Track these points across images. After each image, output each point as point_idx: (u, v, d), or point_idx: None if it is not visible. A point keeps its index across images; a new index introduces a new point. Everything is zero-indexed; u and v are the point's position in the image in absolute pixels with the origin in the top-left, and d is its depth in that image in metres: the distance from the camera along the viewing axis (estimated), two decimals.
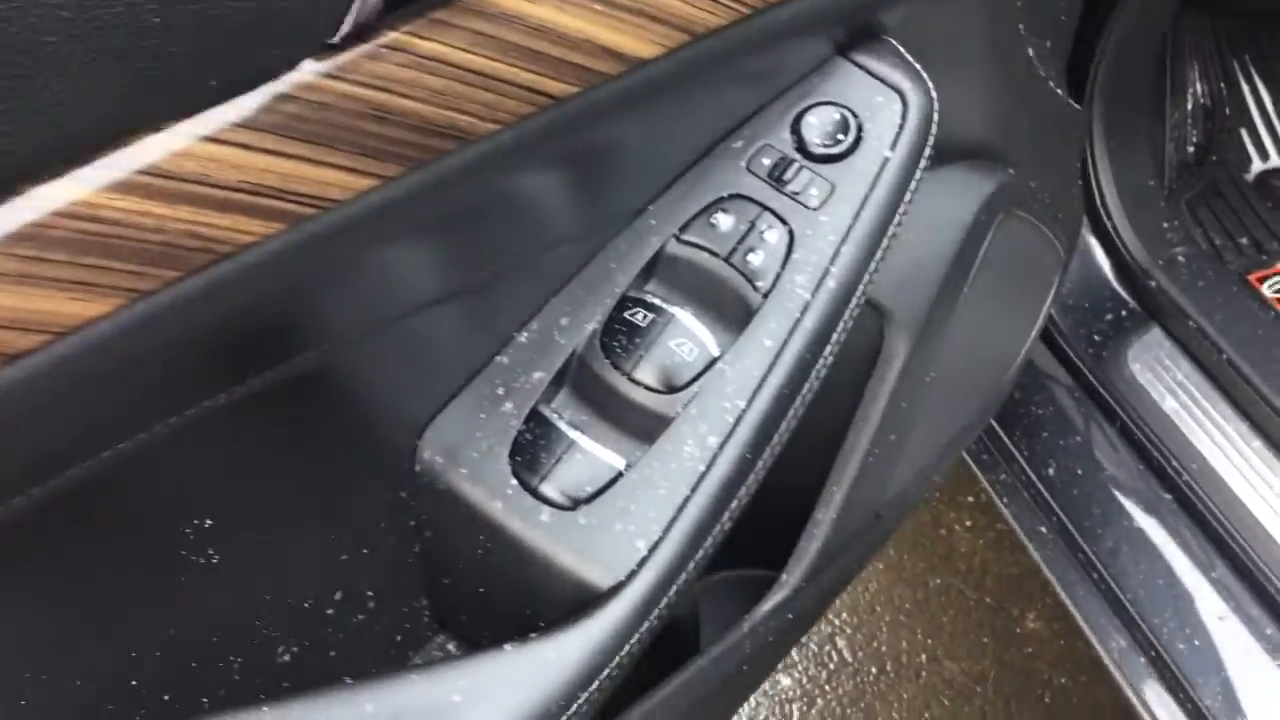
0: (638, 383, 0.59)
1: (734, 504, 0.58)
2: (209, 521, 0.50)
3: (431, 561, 0.60)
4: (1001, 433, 1.27)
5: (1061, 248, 1.05)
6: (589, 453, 0.57)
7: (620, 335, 0.59)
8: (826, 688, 1.53)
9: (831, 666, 1.55)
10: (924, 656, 1.55)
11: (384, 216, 0.46)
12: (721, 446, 0.57)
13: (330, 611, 0.57)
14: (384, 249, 0.50)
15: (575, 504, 0.57)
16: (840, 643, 1.57)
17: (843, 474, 0.83)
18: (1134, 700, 1.16)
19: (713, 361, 0.59)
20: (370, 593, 0.59)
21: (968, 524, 1.64)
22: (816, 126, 0.62)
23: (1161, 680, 1.12)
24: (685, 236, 0.61)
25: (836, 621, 1.58)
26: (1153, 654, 1.13)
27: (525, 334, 0.60)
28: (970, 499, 1.65)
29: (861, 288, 0.62)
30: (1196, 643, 1.11)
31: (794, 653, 1.56)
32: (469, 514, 0.57)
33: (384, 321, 0.54)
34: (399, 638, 0.61)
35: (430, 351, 0.58)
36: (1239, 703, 1.07)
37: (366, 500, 0.58)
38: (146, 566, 0.50)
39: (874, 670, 1.54)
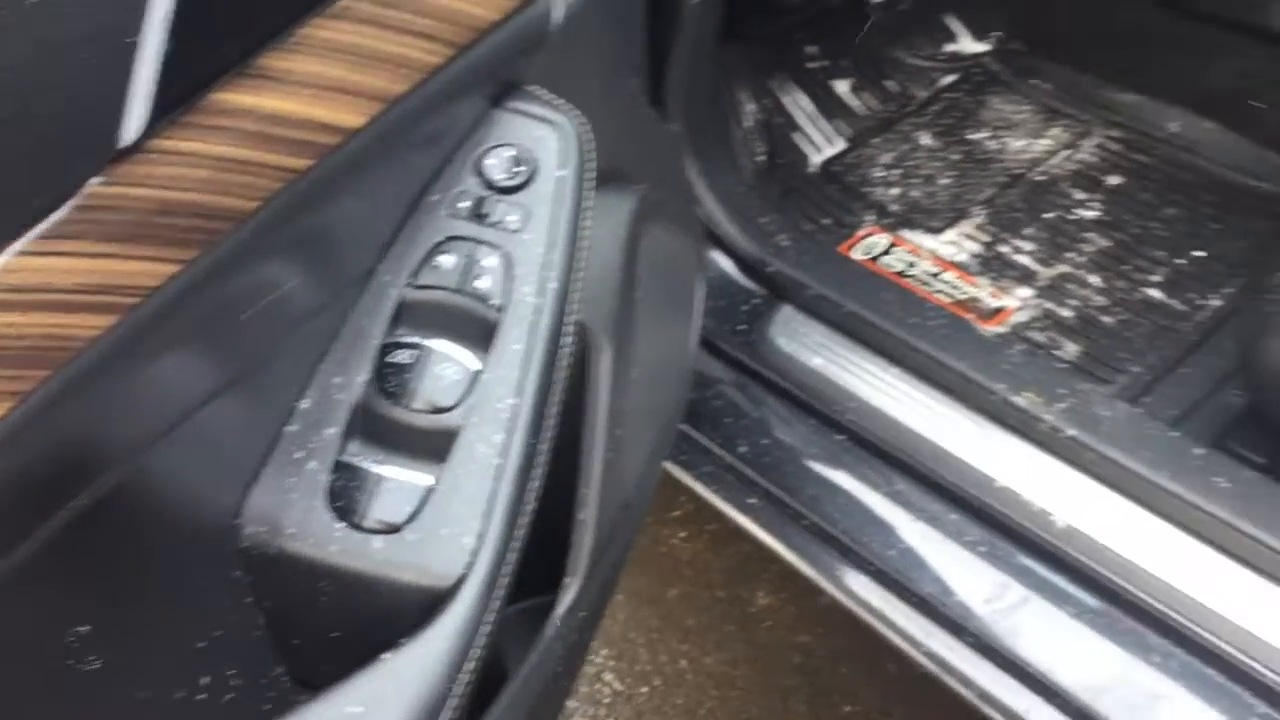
0: (419, 411, 0.66)
1: (533, 483, 0.67)
2: (86, 628, 0.53)
3: (280, 626, 0.65)
4: (692, 431, 1.42)
5: (696, 252, 1.21)
6: (397, 481, 0.65)
7: (390, 377, 0.67)
8: None
9: (607, 700, 1.64)
10: (684, 662, 1.67)
11: (186, 303, 0.52)
12: (509, 438, 0.66)
13: (202, 697, 0.61)
14: (177, 345, 0.56)
15: (399, 527, 0.64)
16: (608, 676, 1.66)
17: (590, 475, 0.93)
18: (869, 618, 1.33)
19: (477, 374, 0.68)
20: (232, 671, 0.62)
21: (683, 535, 1.79)
22: (496, 166, 0.73)
23: (887, 587, 1.30)
24: (418, 282, 0.70)
25: (598, 659, 1.67)
26: (870, 568, 1.30)
27: (306, 401, 0.66)
28: (679, 512, 1.80)
29: (576, 285, 0.73)
30: (901, 547, 1.29)
31: (570, 701, 1.63)
32: (307, 569, 0.62)
33: (171, 424, 0.59)
34: (267, 706, 0.65)
35: (223, 440, 0.63)
36: (949, 585, 1.26)
37: (203, 589, 0.62)
38: (34, 683, 0.52)
39: (644, 689, 1.65)
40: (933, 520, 1.29)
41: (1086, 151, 1.73)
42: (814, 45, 1.79)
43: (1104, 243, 1.60)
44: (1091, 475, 1.21)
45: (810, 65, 1.78)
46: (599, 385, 0.93)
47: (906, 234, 1.64)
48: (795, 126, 1.74)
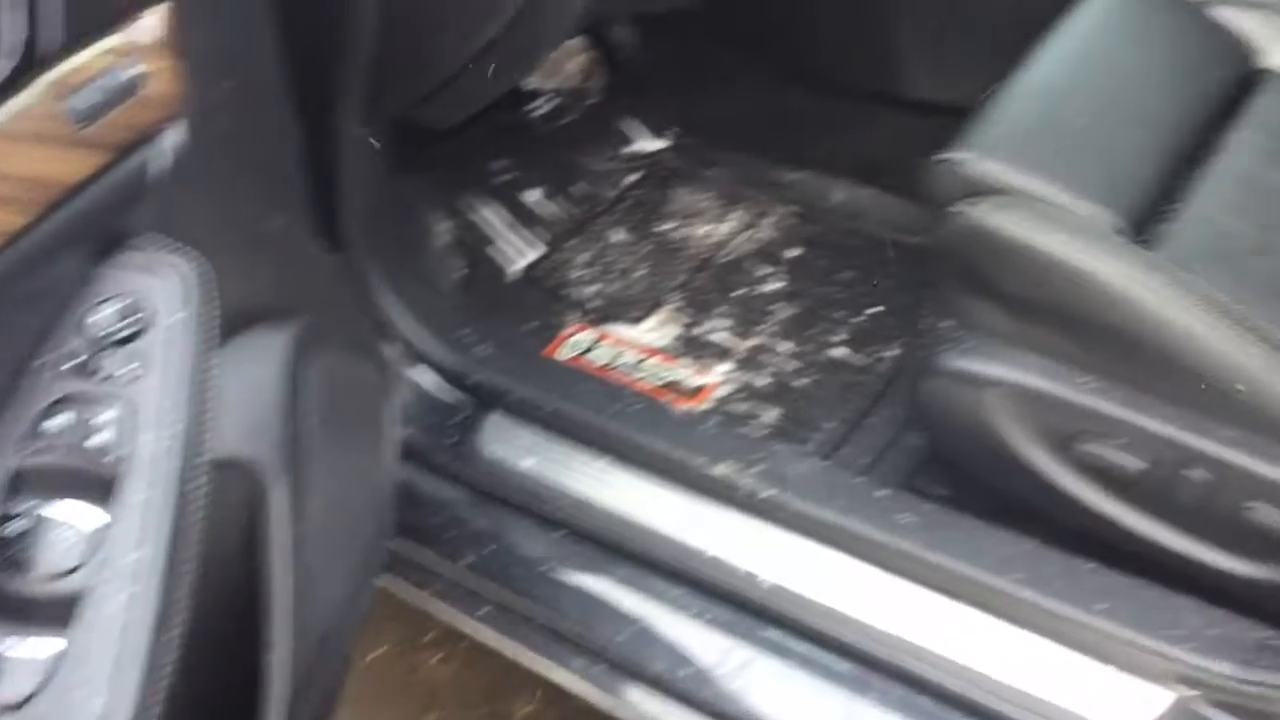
0: (40, 578, 0.65)
1: (171, 634, 0.66)
2: None
3: None
4: (417, 550, 1.42)
5: (379, 374, 1.23)
6: (20, 657, 0.63)
7: (6, 550, 0.66)
8: None
9: None
10: None
11: None
12: (136, 592, 0.65)
13: None
14: None
15: (23, 703, 0.62)
16: None
17: (275, 614, 0.92)
18: (613, 706, 1.35)
19: (101, 531, 0.67)
20: None
21: (438, 657, 1.77)
22: (105, 320, 0.73)
23: (623, 673, 1.32)
24: (30, 449, 0.69)
25: None
26: (605, 657, 1.33)
27: None
28: (431, 635, 1.78)
29: (205, 426, 0.73)
30: (630, 631, 1.32)
31: None
32: None
33: None
34: None
35: None
36: (678, 659, 1.29)
37: None
38: None
39: None
40: (655, 598, 1.32)
41: (766, 229, 1.84)
42: (501, 160, 1.86)
43: (790, 311, 1.70)
44: (790, 530, 1.28)
45: (499, 180, 1.84)
46: (274, 521, 0.92)
47: (609, 328, 1.70)
48: (491, 239, 1.79)
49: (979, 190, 1.21)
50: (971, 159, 1.22)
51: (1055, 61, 1.33)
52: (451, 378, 1.45)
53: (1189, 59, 1.38)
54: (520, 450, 1.41)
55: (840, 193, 1.86)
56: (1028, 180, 1.19)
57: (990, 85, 1.34)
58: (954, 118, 1.31)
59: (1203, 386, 1.10)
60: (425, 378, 1.47)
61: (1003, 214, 1.16)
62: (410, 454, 1.41)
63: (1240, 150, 1.30)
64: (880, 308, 1.68)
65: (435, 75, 1.26)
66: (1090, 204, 1.18)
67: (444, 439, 1.44)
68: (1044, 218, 1.15)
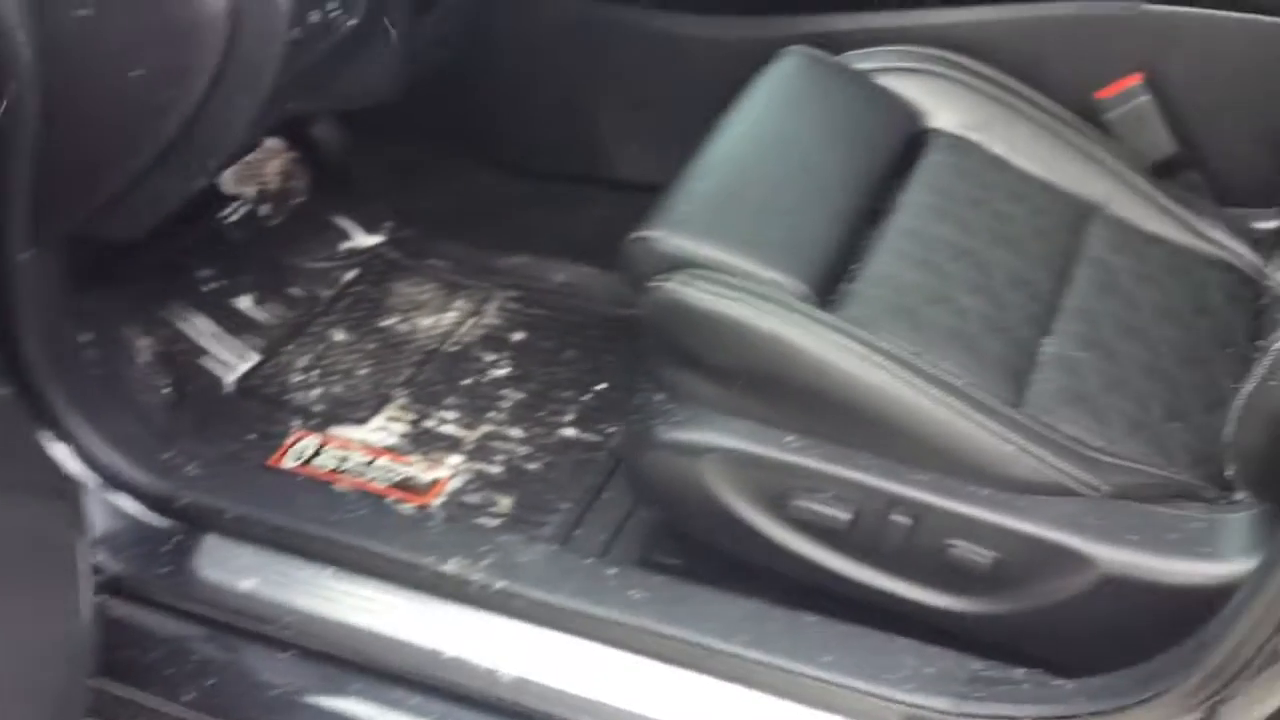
0: None
1: None
2: None
3: None
4: (134, 692, 1.33)
5: (64, 513, 1.14)
6: None
7: None
8: None
9: None
10: None
11: None
12: None
13: None
14: None
15: None
16: None
17: None
18: None
19: None
20: None
21: None
22: None
23: None
24: None
25: None
26: None
27: None
28: None
29: None
30: None
31: None
32: None
33: None
34: None
35: None
36: None
37: None
38: None
39: None
40: (396, 707, 1.27)
41: (490, 316, 1.84)
42: (208, 268, 1.79)
43: (519, 395, 1.70)
44: (527, 620, 1.26)
45: (207, 288, 1.77)
46: None
47: (335, 430, 1.65)
48: (201, 351, 1.72)
49: (672, 265, 1.24)
50: (662, 236, 1.25)
51: (736, 136, 1.39)
52: (157, 503, 1.37)
53: (862, 124, 1.46)
54: (240, 571, 1.34)
55: (560, 273, 1.88)
56: (716, 252, 1.24)
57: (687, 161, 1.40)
58: (657, 194, 1.36)
59: (894, 436, 1.15)
60: (130, 505, 1.38)
61: (694, 287, 1.20)
62: (119, 588, 1.32)
63: (912, 208, 1.38)
64: (605, 384, 1.70)
65: (103, 191, 1.20)
66: (776, 271, 1.23)
67: (155, 568, 1.35)
68: (732, 287, 1.19)
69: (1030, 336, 1.27)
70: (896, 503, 1.17)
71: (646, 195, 1.35)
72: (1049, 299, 1.32)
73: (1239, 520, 1.08)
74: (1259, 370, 0.99)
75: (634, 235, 1.27)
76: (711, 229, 1.26)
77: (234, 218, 1.74)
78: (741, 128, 1.40)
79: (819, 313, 1.19)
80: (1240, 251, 1.45)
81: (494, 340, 1.79)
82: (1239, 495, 1.13)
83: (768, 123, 1.42)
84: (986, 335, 1.25)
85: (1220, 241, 1.45)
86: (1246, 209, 1.52)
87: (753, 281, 1.21)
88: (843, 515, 1.19)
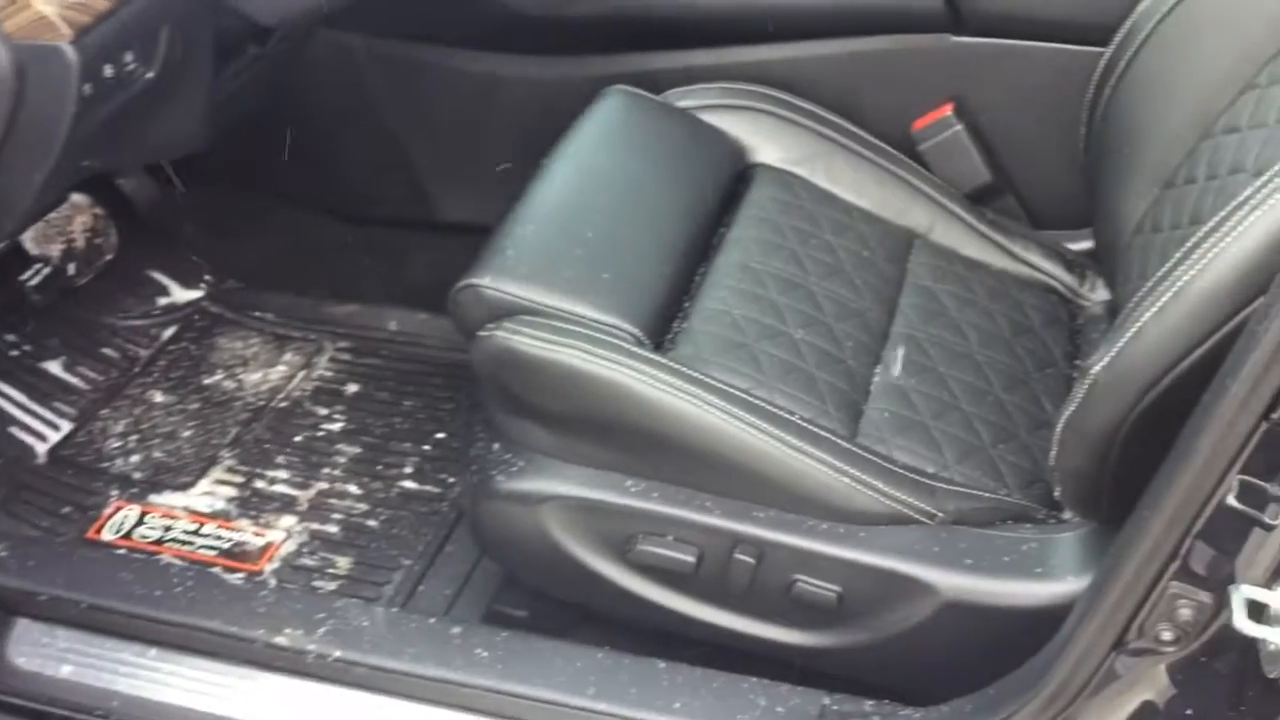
0: None
1: None
2: None
3: None
4: None
5: None
6: None
7: None
8: None
9: None
10: None
11: None
12: None
13: None
14: None
15: None
16: None
17: None
18: None
19: None
20: None
21: None
22: None
23: None
24: None
25: None
26: None
27: None
28: None
29: None
30: None
31: None
32: None
33: None
34: None
35: None
36: None
37: None
38: None
39: None
40: None
41: (322, 368, 1.78)
42: (11, 334, 1.69)
43: (355, 450, 1.64)
44: (368, 689, 1.21)
45: (12, 354, 1.67)
46: None
47: (157, 498, 1.57)
48: (9, 420, 1.62)
49: (501, 313, 1.22)
50: (489, 284, 1.23)
51: (562, 177, 1.37)
52: None
53: (687, 161, 1.46)
54: (55, 657, 1.26)
55: (392, 321, 1.84)
56: (545, 298, 1.22)
57: (514, 202, 1.38)
58: (487, 237, 1.33)
59: (733, 475, 1.15)
60: None
61: (523, 334, 1.17)
62: None
63: (741, 243, 1.39)
64: (444, 433, 1.66)
65: None
66: (607, 314, 1.21)
67: None
68: (563, 334, 1.17)
69: (862, 367, 1.29)
70: (740, 542, 1.16)
71: (476, 237, 1.34)
72: (878, 328, 1.34)
73: (1069, 539, 1.11)
74: (1077, 393, 1.01)
75: (461, 284, 1.24)
76: (540, 274, 1.24)
77: (36, 280, 1.64)
78: (566, 168, 1.39)
79: (652, 355, 1.18)
80: (1055, 273, 1.50)
81: (326, 393, 1.73)
82: (1068, 515, 1.16)
83: (593, 162, 1.41)
84: (820, 368, 1.26)
85: (1036, 264, 1.50)
86: (1059, 231, 1.58)
87: (584, 326, 1.19)
88: (687, 558, 1.17)
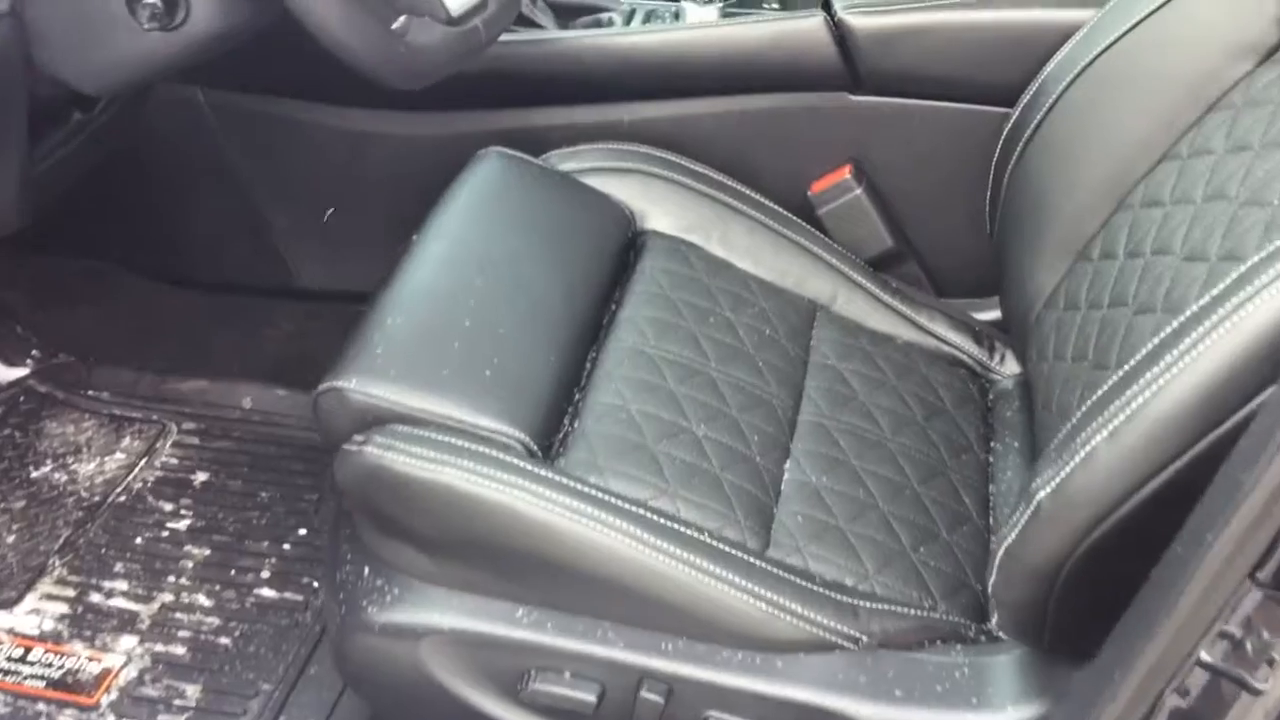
0: None
1: None
2: None
3: None
4: None
5: None
6: None
7: None
8: None
9: None
10: None
11: None
12: None
13: None
14: None
15: None
16: None
17: None
18: None
19: None
20: None
21: None
22: None
23: None
24: None
25: None
26: None
27: None
28: None
29: None
30: None
31: None
32: None
33: None
34: None
35: None
36: None
37: None
38: None
39: None
40: None
41: (167, 454, 1.60)
42: None
43: (204, 552, 1.47)
44: None
45: None
46: None
47: None
48: None
49: (370, 420, 1.07)
50: (355, 387, 1.08)
51: (435, 257, 1.24)
52: None
53: (573, 232, 1.34)
54: None
55: (246, 397, 1.67)
56: (419, 402, 1.08)
57: (381, 269, 1.23)
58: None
59: (636, 602, 1.02)
60: None
61: (396, 450, 1.03)
62: None
63: (634, 323, 1.27)
64: (305, 529, 1.50)
65: None
66: (489, 418, 1.08)
67: None
68: (440, 448, 1.03)
69: (772, 463, 1.18)
70: (646, 677, 1.04)
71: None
72: (786, 417, 1.24)
73: (1005, 664, 1.01)
74: (1019, 518, 0.92)
75: (324, 386, 1.09)
76: (412, 374, 1.10)
77: None
78: (439, 246, 1.25)
79: (541, 471, 1.05)
80: (963, 345, 1.42)
81: (171, 485, 1.56)
82: (997, 629, 1.07)
83: (468, 237, 1.27)
84: (727, 468, 1.15)
85: (943, 336, 1.42)
86: (965, 299, 1.50)
87: (464, 436, 1.05)
88: (587, 696, 1.04)
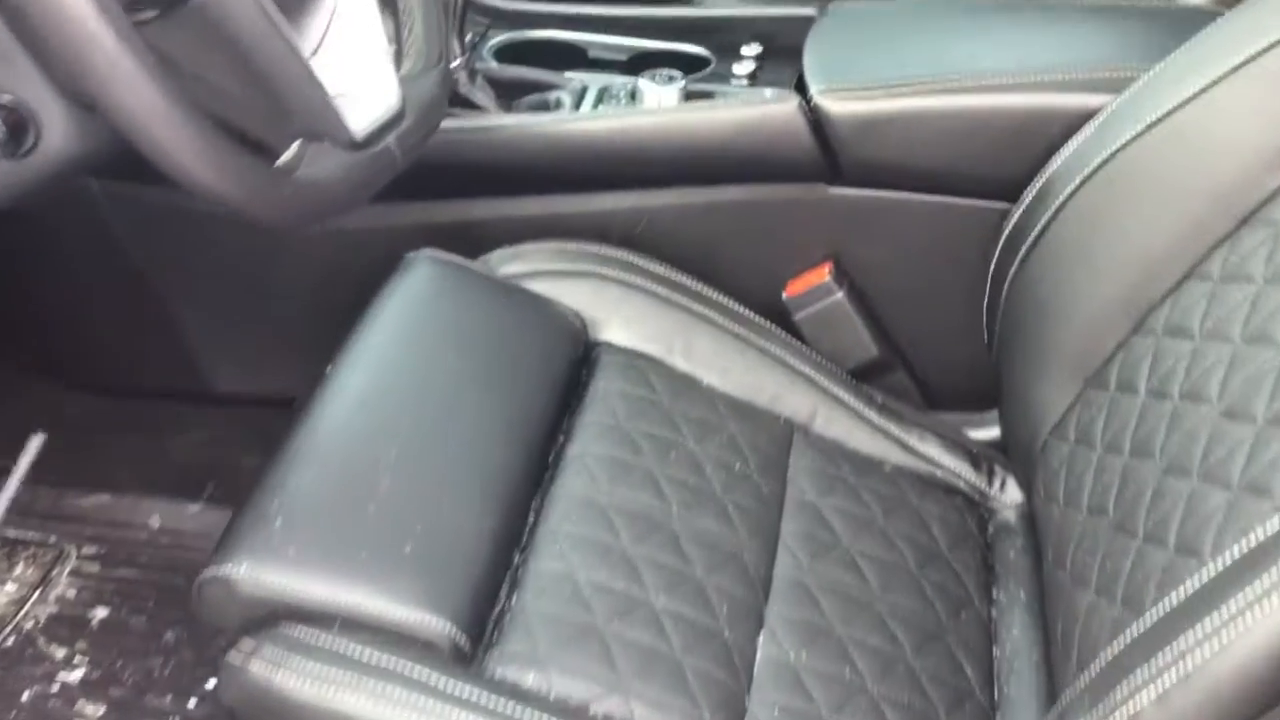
0: None
1: None
2: None
3: None
4: None
5: None
6: None
7: None
8: None
9: None
10: None
11: None
12: None
13: None
14: None
15: None
16: None
17: None
18: None
19: None
20: None
21: None
22: None
23: None
24: None
25: None
26: None
27: None
28: None
29: None
30: None
31: None
32: None
33: None
34: None
35: None
36: None
37: None
38: None
39: None
40: None
41: (64, 584, 1.42)
42: None
43: (98, 711, 1.30)
44: None
45: None
46: None
47: None
48: None
49: (262, 614, 0.90)
50: (247, 573, 0.90)
51: (353, 393, 1.06)
52: None
53: (515, 353, 1.17)
54: None
55: (153, 516, 1.49)
56: (325, 592, 0.90)
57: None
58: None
59: None
60: None
61: (286, 664, 0.86)
62: None
63: (584, 463, 1.10)
64: (213, 682, 1.32)
65: None
66: (410, 609, 0.91)
67: None
68: (340, 662, 0.86)
69: (743, 638, 1.01)
70: None
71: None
72: (759, 574, 1.07)
73: None
74: None
75: (207, 574, 0.91)
76: (316, 553, 0.93)
77: None
78: (357, 379, 1.08)
79: (462, 688, 0.87)
80: (959, 470, 1.26)
81: (66, 625, 1.38)
82: None
83: (392, 367, 1.10)
84: (690, 650, 0.98)
85: (936, 459, 1.26)
86: (959, 413, 1.34)
87: (375, 640, 0.88)
88: None
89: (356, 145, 0.85)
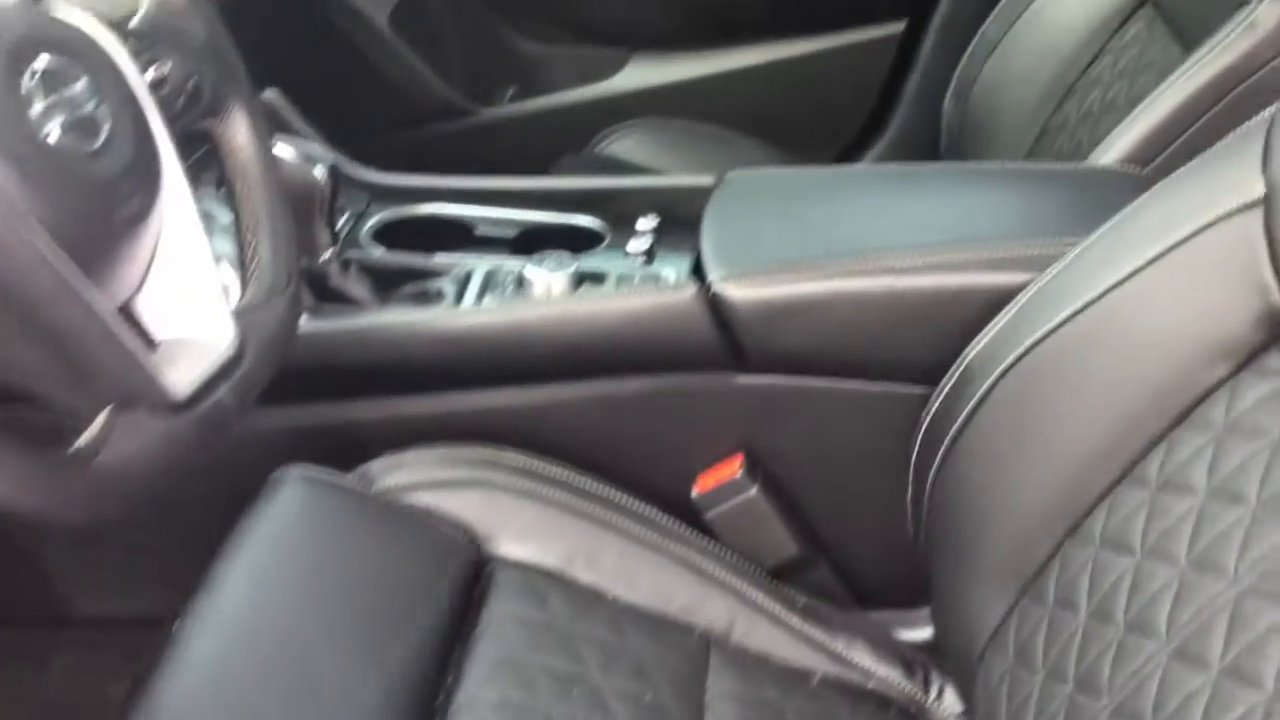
0: None
1: None
2: None
3: None
4: None
5: None
6: None
7: None
8: None
9: None
10: None
11: None
12: None
13: None
14: None
15: None
16: None
17: None
18: None
19: None
20: None
21: None
22: None
23: None
24: None
25: None
26: None
27: None
28: None
29: None
30: None
31: None
32: None
33: None
34: None
35: None
36: None
37: None
38: None
39: None
40: None
41: None
42: None
43: None
44: None
45: None
46: None
47: None
48: None
49: None
50: None
51: (198, 662, 0.94)
52: None
53: (394, 581, 1.06)
54: None
55: None
56: None
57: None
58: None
59: None
60: None
61: None
62: None
63: (473, 713, 0.98)
64: None
65: None
66: None
67: None
68: None
69: None
70: None
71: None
72: None
73: None
74: None
75: None
76: None
77: None
78: (206, 645, 0.95)
79: None
80: (891, 679, 1.15)
81: None
82: None
83: (248, 622, 0.98)
84: None
85: (867, 669, 1.15)
86: (891, 610, 1.24)
87: None
88: None
89: (179, 407, 0.74)
